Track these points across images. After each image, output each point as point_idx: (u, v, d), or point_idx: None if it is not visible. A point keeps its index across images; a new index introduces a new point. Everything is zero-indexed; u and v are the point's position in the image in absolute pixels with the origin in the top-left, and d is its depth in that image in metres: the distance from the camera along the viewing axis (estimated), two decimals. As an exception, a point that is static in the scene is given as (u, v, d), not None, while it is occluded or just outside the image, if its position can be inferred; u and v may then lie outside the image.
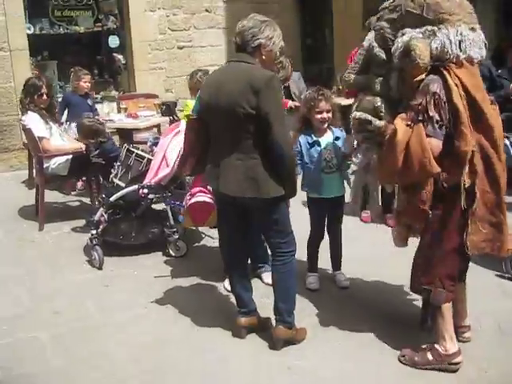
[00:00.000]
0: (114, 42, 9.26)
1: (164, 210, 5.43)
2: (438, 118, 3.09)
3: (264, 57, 3.61)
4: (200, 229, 5.86)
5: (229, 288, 4.50)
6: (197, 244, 5.66)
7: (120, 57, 9.36)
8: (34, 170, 6.71)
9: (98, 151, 5.92)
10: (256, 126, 3.45)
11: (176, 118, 7.14)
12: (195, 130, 3.85)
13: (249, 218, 3.80)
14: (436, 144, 3.13)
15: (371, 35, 3.49)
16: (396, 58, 3.24)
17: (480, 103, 3.15)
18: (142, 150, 5.57)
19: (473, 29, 3.19)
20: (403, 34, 3.21)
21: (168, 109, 7.03)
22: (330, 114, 4.40)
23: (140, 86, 9.08)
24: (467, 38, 3.14)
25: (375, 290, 4.54)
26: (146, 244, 5.41)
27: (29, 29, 8.52)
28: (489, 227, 3.29)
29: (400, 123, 3.18)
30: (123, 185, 5.30)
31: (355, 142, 3.92)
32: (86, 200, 7.06)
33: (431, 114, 3.09)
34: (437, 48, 3.14)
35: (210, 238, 5.68)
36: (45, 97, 6.27)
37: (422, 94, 3.12)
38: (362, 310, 4.22)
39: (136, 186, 5.15)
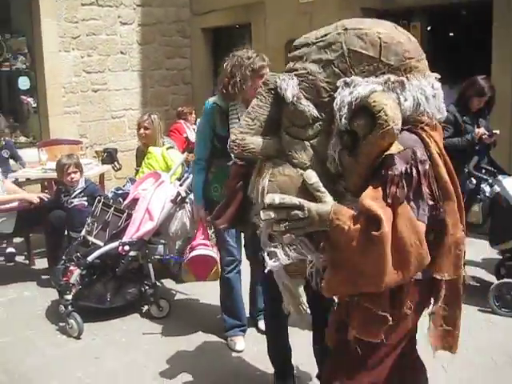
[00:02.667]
0: (24, 83, 8.51)
1: (139, 268, 4.96)
2: (430, 196, 2.18)
3: None
4: (168, 285, 5.50)
5: (235, 348, 4.31)
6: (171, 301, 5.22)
7: (30, 99, 8.62)
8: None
9: (83, 189, 5.44)
10: None
11: (118, 165, 6.63)
12: (240, 176, 3.41)
13: None
14: (423, 230, 2.14)
15: (292, 82, 2.30)
16: (343, 118, 2.18)
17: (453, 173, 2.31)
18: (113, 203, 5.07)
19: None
20: (348, 85, 2.19)
21: (110, 156, 6.51)
22: None
23: (54, 131, 8.39)
24: (440, 92, 2.27)
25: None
26: (122, 306, 4.90)
27: None
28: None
29: (379, 206, 2.09)
30: (100, 243, 4.76)
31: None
32: (18, 258, 6.36)
33: (424, 190, 2.15)
34: (410, 107, 2.20)
35: (183, 293, 5.31)
36: None
37: (404, 161, 2.13)
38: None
39: (117, 243, 4.66)
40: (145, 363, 4.14)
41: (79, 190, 5.45)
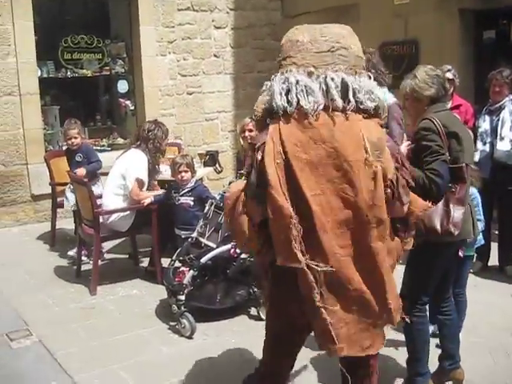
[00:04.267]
0: (123, 86, 8.79)
1: (248, 270, 5.02)
2: (254, 180, 2.51)
3: None
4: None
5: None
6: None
7: (128, 102, 8.89)
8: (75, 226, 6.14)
9: (191, 189, 5.57)
10: None
11: (220, 168, 6.73)
12: None
13: None
14: (252, 209, 2.56)
15: None
16: None
17: (297, 170, 2.42)
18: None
19: (310, 73, 2.49)
20: None
21: (212, 158, 6.62)
22: None
23: (150, 133, 8.60)
24: (299, 85, 2.45)
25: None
26: (230, 307, 4.97)
27: (35, 72, 7.93)
28: None
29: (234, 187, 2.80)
30: (213, 245, 4.85)
31: None
32: (122, 257, 6.54)
33: (252, 175, 2.53)
34: (267, 100, 2.54)
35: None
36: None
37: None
38: None
39: (229, 246, 4.74)
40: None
41: (187, 189, 5.57)
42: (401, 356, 4.01)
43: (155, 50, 8.67)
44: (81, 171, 6.12)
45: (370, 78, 2.58)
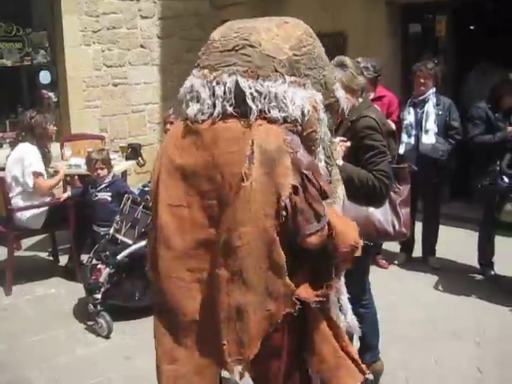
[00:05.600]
0: (45, 77, 8.44)
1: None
2: None
3: None
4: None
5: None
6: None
7: (51, 94, 8.55)
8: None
9: (109, 184, 5.40)
10: None
11: (143, 161, 6.55)
12: None
13: None
14: None
15: None
16: None
17: (165, 174, 2.19)
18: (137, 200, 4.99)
19: (204, 76, 2.20)
20: None
21: (134, 151, 6.43)
22: None
23: (74, 125, 8.32)
24: (192, 91, 2.21)
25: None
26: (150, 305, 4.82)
27: None
28: None
29: None
30: (129, 241, 4.70)
31: None
32: (42, 255, 6.30)
33: None
34: None
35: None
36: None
37: None
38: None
39: (146, 242, 4.59)
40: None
41: (105, 185, 5.41)
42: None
43: (79, 39, 8.33)
44: None
45: (283, 82, 2.12)
